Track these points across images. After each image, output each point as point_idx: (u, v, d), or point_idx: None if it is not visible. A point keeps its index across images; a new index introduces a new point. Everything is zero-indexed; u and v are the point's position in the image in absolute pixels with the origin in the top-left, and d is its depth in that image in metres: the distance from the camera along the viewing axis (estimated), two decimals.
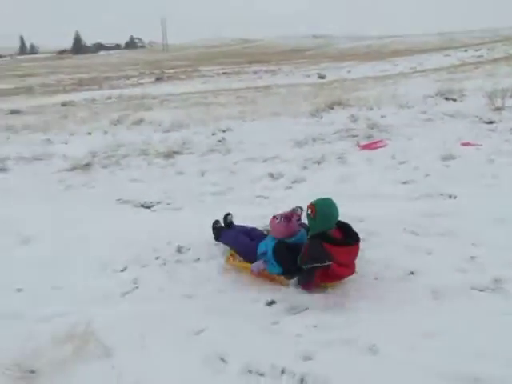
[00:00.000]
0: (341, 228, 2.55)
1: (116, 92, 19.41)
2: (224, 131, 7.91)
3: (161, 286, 2.83)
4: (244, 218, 3.66)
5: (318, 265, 2.42)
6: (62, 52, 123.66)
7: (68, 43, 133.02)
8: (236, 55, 66.49)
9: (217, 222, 3.48)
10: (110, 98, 17.33)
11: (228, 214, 3.50)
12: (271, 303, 2.54)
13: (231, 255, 3.14)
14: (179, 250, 3.37)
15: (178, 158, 6.22)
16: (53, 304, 2.59)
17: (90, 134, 8.45)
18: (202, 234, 3.52)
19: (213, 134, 7.75)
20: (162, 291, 2.78)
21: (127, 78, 32.54)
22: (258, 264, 2.74)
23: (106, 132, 8.38)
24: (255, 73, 29.66)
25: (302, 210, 2.99)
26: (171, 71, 37.36)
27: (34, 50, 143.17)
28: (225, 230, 3.37)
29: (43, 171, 5.87)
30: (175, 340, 2.17)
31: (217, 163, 5.93)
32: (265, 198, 4.62)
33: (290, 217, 2.85)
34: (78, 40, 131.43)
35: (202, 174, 5.47)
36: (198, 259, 3.22)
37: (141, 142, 7.26)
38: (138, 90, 20.05)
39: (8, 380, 1.83)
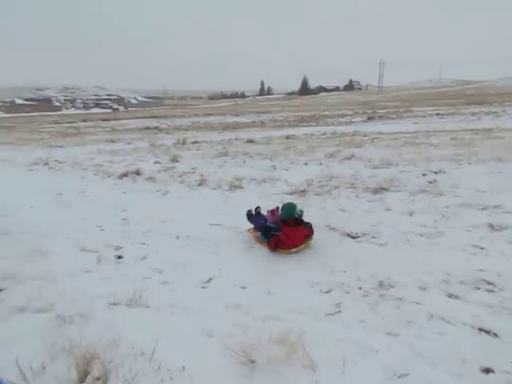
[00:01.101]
0: (296, 219, 4.04)
1: (330, 129, 20.51)
2: (436, 173, 7.25)
3: (362, 317, 2.77)
4: (453, 265, 3.26)
5: (275, 233, 3.92)
6: (290, 93, 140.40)
7: (297, 86, 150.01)
8: (452, 96, 60.36)
9: (250, 210, 4.90)
10: (324, 133, 18.41)
11: (257, 207, 4.94)
12: None
13: (253, 229, 4.58)
14: (381, 284, 3.25)
15: (386, 194, 6.05)
16: (269, 308, 2.89)
17: (306, 164, 9.19)
18: (406, 271, 3.31)
19: (423, 175, 7.20)
20: (362, 322, 2.71)
21: (342, 116, 33.94)
22: (258, 235, 4.30)
23: (320, 164, 8.95)
24: (473, 114, 26.15)
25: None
26: (383, 111, 36.89)
27: (269, 92, 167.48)
28: (254, 216, 4.77)
29: (268, 192, 6.71)
30: (376, 378, 2.08)
31: (426, 204, 5.46)
32: (481, 248, 3.97)
33: (275, 210, 4.42)
34: (304, 83, 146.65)
35: (411, 214, 5.13)
36: (401, 299, 3.01)
37: (350, 176, 7.40)
38: (350, 128, 20.62)
39: (234, 362, 2.13)
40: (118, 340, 2.30)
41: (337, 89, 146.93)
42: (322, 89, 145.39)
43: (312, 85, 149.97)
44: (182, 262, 3.82)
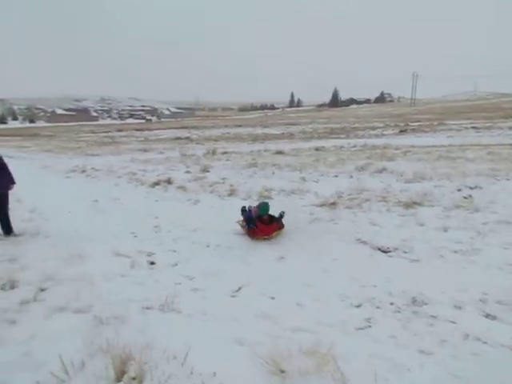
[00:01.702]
0: (270, 216, 5.06)
1: (361, 141, 20.27)
2: (472, 188, 7.02)
3: (393, 333, 2.72)
4: (490, 284, 3.16)
5: (251, 225, 4.90)
6: (320, 105, 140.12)
7: (327, 98, 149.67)
8: (488, 109, 58.18)
9: (244, 207, 5.68)
10: (355, 146, 18.22)
11: (250, 206, 5.66)
12: None
13: (242, 221, 5.36)
14: (414, 301, 3.18)
15: (419, 208, 5.91)
16: (298, 319, 2.89)
17: (336, 176, 9.14)
18: (440, 289, 3.23)
19: (458, 190, 6.99)
20: (394, 338, 2.66)
21: (372, 129, 33.49)
22: (244, 225, 5.19)
23: (351, 176, 8.87)
24: (511, 128, 25.09)
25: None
26: (415, 124, 36.10)
27: (299, 104, 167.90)
28: (245, 211, 5.41)
29: (297, 203, 6.71)
30: None
31: (462, 220, 5.30)
32: None
33: (256, 208, 5.18)
34: (335, 95, 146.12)
35: (445, 230, 4.99)
36: (435, 317, 2.94)
37: (382, 189, 7.29)
38: (381, 141, 20.31)
39: (264, 371, 2.15)
40: (152, 343, 2.38)
41: (368, 101, 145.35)
42: (352, 101, 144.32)
43: (343, 97, 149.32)
44: (212, 270, 3.90)
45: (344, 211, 6.03)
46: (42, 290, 3.35)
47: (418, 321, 2.87)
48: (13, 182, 5.16)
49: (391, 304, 3.14)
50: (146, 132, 45.14)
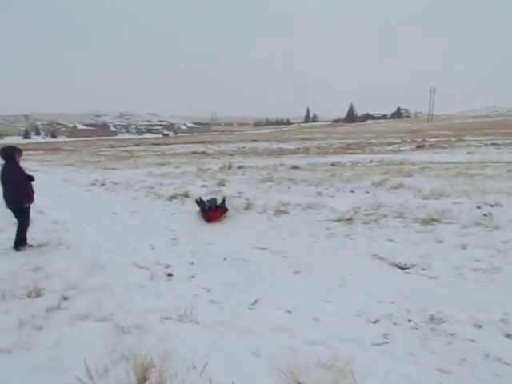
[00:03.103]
0: (216, 206, 6.91)
1: (377, 157, 20.19)
2: (491, 205, 6.90)
3: (411, 351, 2.71)
4: (510, 306, 3.13)
5: (204, 213, 6.80)
6: (336, 121, 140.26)
7: (343, 113, 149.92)
8: (508, 125, 57.12)
9: (198, 199, 7.44)
10: (371, 161, 18.15)
11: (201, 197, 7.52)
12: None
13: (199, 210, 7.05)
14: (432, 318, 3.16)
15: (437, 225, 5.85)
16: (315, 333, 2.91)
17: (352, 192, 9.11)
18: (459, 307, 3.20)
19: (477, 207, 6.88)
20: (411, 355, 2.65)
21: (389, 144, 33.31)
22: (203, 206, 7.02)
23: (367, 192, 8.84)
24: None
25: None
26: (433, 140, 35.72)
27: (315, 119, 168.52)
28: (200, 202, 7.22)
29: (313, 218, 6.74)
30: None
31: (481, 238, 5.22)
32: None
33: (209, 200, 7.21)
34: (351, 111, 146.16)
35: (464, 247, 4.93)
36: (454, 335, 2.91)
37: (399, 205, 7.25)
38: (398, 157, 20.18)
39: (282, 383, 2.19)
40: (171, 352, 2.44)
41: (384, 116, 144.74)
42: (368, 116, 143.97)
43: (358, 112, 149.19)
44: (229, 283, 3.96)
45: (360, 226, 6.03)
46: (66, 298, 3.47)
47: (436, 339, 2.85)
48: (24, 199, 5.33)
49: (409, 321, 3.13)
50: (163, 146, 45.99)
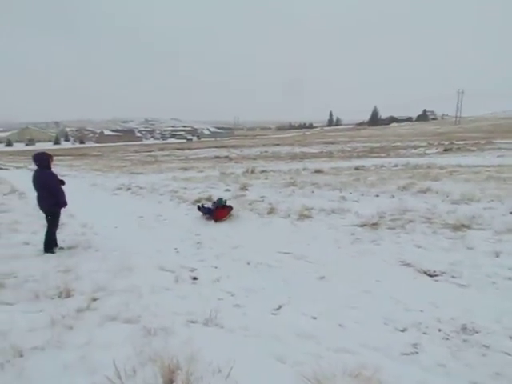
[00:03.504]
0: (223, 206, 7.46)
1: (402, 160, 19.79)
2: None
3: (442, 362, 2.61)
4: None
5: (210, 213, 7.42)
6: (359, 124, 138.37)
7: (366, 116, 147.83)
8: None
9: (199, 205, 7.88)
10: (396, 165, 17.81)
11: (202, 204, 8.11)
12: None
13: (202, 214, 7.61)
14: (464, 328, 3.04)
15: (468, 231, 5.66)
16: (341, 340, 2.87)
17: (377, 196, 8.96)
18: (493, 318, 3.07)
19: (511, 213, 6.62)
20: (443, 367, 2.56)
21: (414, 147, 32.58)
22: (205, 215, 7.51)
23: (392, 196, 8.67)
24: None
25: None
26: (461, 143, 34.70)
27: (338, 123, 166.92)
28: (201, 208, 7.70)
29: (338, 223, 6.66)
30: None
31: None
32: None
33: (216, 201, 7.67)
34: (374, 114, 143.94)
35: (497, 255, 4.73)
36: (488, 347, 2.79)
37: (426, 210, 7.06)
38: (424, 160, 19.72)
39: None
40: (197, 355, 2.46)
41: (409, 119, 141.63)
42: (393, 119, 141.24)
43: (382, 115, 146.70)
44: (253, 288, 3.95)
45: (386, 232, 5.90)
46: (95, 299, 3.56)
47: (469, 350, 2.74)
48: (58, 203, 5.51)
49: (439, 330, 3.03)
50: (187, 151, 46.69)
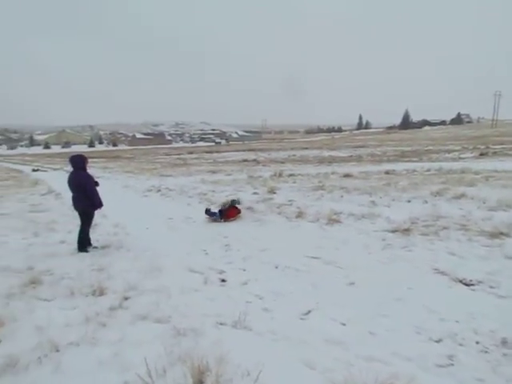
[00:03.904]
0: (234, 206, 8.05)
1: (435, 165, 19.17)
2: None
3: (480, 376, 2.49)
4: None
5: (221, 213, 7.84)
6: (390, 127, 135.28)
7: (397, 120, 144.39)
8: None
9: (207, 209, 8.22)
10: (428, 170, 17.27)
11: (209, 207, 8.40)
12: None
13: (208, 217, 7.93)
14: (504, 342, 2.88)
15: (507, 240, 5.39)
16: (372, 348, 2.79)
17: (409, 201, 8.71)
18: None
19: None
20: (481, 382, 2.44)
21: (448, 152, 31.50)
22: (212, 218, 7.91)
23: (425, 202, 8.41)
24: None
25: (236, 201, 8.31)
26: (498, 147, 33.20)
27: (367, 126, 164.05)
28: (209, 211, 8.06)
29: (368, 228, 6.52)
30: None
31: None
32: None
33: (230, 201, 8.34)
34: (406, 117, 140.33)
35: None
36: None
37: (460, 217, 6.80)
38: (458, 165, 19.01)
39: None
40: (226, 357, 2.46)
41: (443, 123, 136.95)
42: (425, 123, 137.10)
43: (414, 118, 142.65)
44: (281, 292, 3.92)
45: (419, 238, 5.71)
46: (126, 298, 3.65)
47: (510, 365, 2.59)
48: (93, 204, 5.70)
49: (477, 343, 2.88)
50: (215, 154, 47.27)
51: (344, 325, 3.21)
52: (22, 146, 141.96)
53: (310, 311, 3.48)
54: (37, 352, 2.65)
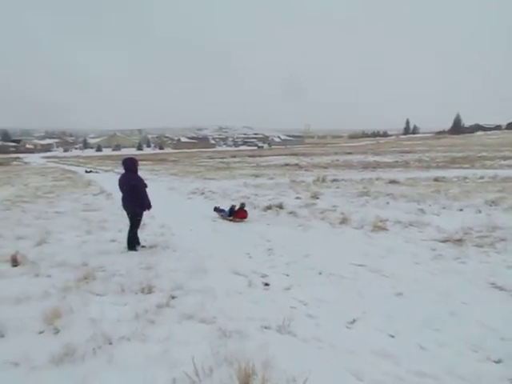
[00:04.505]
0: (244, 209, 8.66)
1: (489, 172, 18.07)
2: None
3: None
4: None
5: (230, 214, 8.69)
6: (439, 132, 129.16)
7: (447, 125, 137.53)
8: None
9: (216, 206, 9.41)
10: (482, 177, 16.30)
11: (219, 206, 9.47)
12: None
13: (219, 214, 9.04)
14: None
15: None
16: (423, 363, 2.67)
17: (461, 210, 8.27)
18: None
19: None
20: None
21: (504, 158, 29.53)
22: (221, 215, 8.92)
23: (479, 211, 7.94)
24: None
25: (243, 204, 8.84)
26: None
27: (415, 131, 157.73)
28: (218, 209, 9.12)
29: (416, 237, 6.26)
30: None
31: None
32: None
33: (239, 204, 8.87)
34: (457, 121, 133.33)
35: None
36: None
37: None
38: None
39: None
40: (272, 362, 2.46)
41: (498, 127, 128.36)
42: (478, 127, 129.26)
43: (466, 123, 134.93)
44: (326, 298, 3.85)
45: (473, 250, 5.39)
46: (173, 297, 3.76)
47: None
48: (143, 206, 5.92)
49: None
50: (258, 158, 47.62)
51: (392, 337, 3.09)
52: (76, 148, 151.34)
53: (355, 320, 3.39)
54: (91, 343, 2.80)
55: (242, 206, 8.84)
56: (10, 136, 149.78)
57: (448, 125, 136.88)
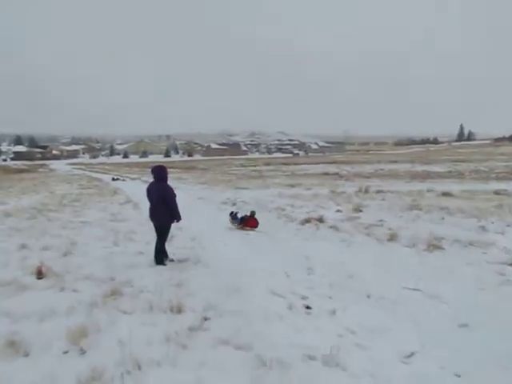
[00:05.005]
0: (254, 217, 9.11)
1: None
2: None
3: None
4: None
5: (241, 222, 9.20)
6: (498, 139, 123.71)
7: (508, 130, 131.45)
8: None
9: (232, 212, 9.58)
10: None
11: (236, 212, 9.58)
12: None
13: (232, 221, 9.28)
14: None
15: None
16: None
17: None
18: None
19: None
20: None
21: None
22: (234, 223, 9.29)
23: None
24: None
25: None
26: None
27: (470, 137, 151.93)
28: (233, 216, 9.35)
29: (479, 258, 5.89)
30: None
31: None
32: None
33: (251, 212, 9.33)
34: None
35: None
36: None
37: None
38: None
39: None
40: None
41: None
42: None
43: None
44: (377, 327, 3.66)
45: None
46: (206, 319, 3.71)
47: None
48: (173, 217, 5.94)
49: None
50: (293, 166, 47.50)
51: (459, 376, 2.86)
52: (102, 155, 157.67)
53: (413, 353, 3.18)
54: (120, 368, 2.78)
55: (253, 213, 9.09)
56: (37, 142, 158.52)
57: (509, 130, 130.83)
